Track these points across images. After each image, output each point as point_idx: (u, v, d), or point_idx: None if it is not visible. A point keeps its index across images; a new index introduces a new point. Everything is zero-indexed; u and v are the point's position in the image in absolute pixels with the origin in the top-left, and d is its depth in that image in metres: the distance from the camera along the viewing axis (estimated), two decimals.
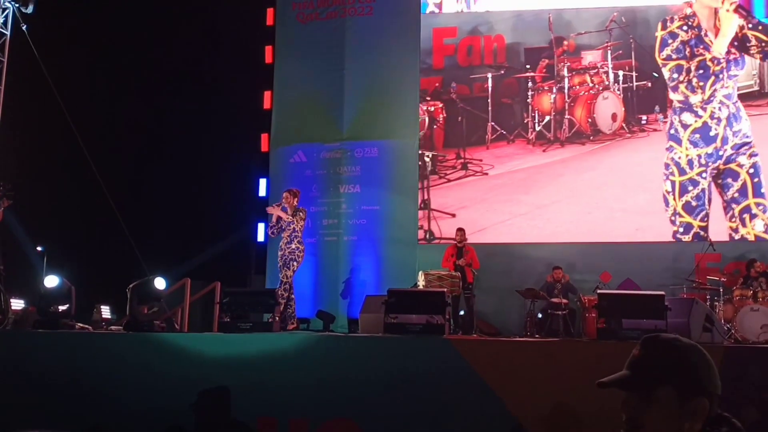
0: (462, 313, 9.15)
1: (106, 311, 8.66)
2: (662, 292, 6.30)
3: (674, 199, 10.51)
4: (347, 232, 11.67)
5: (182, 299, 9.03)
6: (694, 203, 10.44)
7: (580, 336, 8.32)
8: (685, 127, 10.67)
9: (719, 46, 10.65)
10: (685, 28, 10.76)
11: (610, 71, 11.28)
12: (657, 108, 11.06)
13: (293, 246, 8.51)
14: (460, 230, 9.76)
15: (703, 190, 10.44)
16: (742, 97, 10.63)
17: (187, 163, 11.86)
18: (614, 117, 11.16)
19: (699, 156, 10.54)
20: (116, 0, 11.49)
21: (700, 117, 10.60)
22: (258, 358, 6.07)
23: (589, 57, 11.36)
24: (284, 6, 12.36)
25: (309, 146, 11.94)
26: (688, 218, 10.44)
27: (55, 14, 11.53)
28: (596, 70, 11.33)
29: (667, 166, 10.66)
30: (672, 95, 10.88)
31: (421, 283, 8.90)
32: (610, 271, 10.04)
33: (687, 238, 10.34)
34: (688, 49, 10.76)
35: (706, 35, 10.77)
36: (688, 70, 10.70)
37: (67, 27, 11.54)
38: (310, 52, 12.05)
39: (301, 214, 8.61)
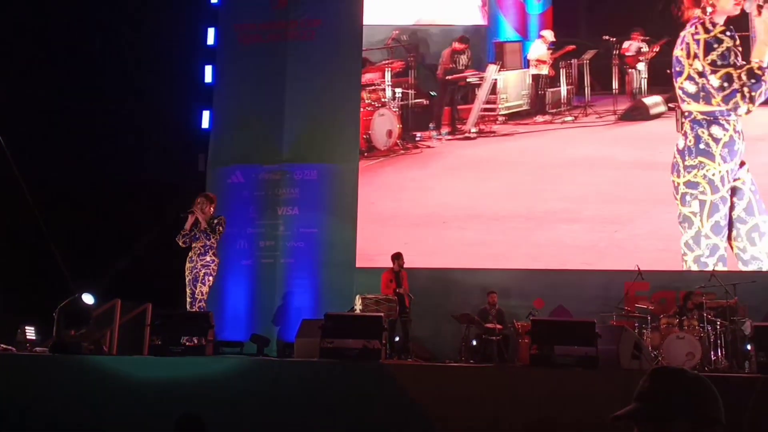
0: (397, 339, 9.17)
1: (30, 332, 8.33)
2: (593, 320, 6.47)
3: (701, 220, 10.15)
4: (284, 255, 11.59)
5: (111, 321, 8.78)
6: (722, 223, 10.07)
7: (514, 362, 8.44)
8: (717, 141, 10.28)
9: (760, 53, 10.28)
10: (728, 33, 10.36)
11: (388, 89, 11.70)
12: (431, 125, 11.60)
13: (207, 258, 7.93)
14: (399, 256, 9.77)
15: (728, 208, 10.09)
16: None
17: (120, 180, 11.60)
18: (389, 134, 11.57)
19: (728, 172, 10.18)
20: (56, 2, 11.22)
21: (727, 130, 10.22)
22: (191, 383, 5.96)
23: (368, 75, 11.84)
24: (226, 27, 12.31)
25: (248, 167, 11.86)
26: (715, 239, 10.10)
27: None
28: (374, 87, 11.78)
29: (695, 185, 10.31)
30: (691, 106, 10.51)
31: (358, 307, 8.90)
32: (543, 297, 10.24)
33: (713, 260, 9.97)
34: (733, 56, 10.30)
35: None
36: (740, 78, 10.21)
37: None
38: (252, 73, 12.01)
39: (220, 228, 8.02)
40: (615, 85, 11.44)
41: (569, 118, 11.52)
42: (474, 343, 9.20)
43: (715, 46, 10.37)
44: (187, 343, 6.92)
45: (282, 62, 11.93)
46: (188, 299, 7.86)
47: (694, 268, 10.16)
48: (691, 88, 10.64)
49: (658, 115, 11.16)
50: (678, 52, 10.72)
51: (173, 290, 7.94)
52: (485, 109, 11.78)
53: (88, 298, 6.76)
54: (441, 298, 10.46)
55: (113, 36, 11.58)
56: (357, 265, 11.25)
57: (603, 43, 11.46)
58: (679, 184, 10.46)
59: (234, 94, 12.06)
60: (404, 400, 5.66)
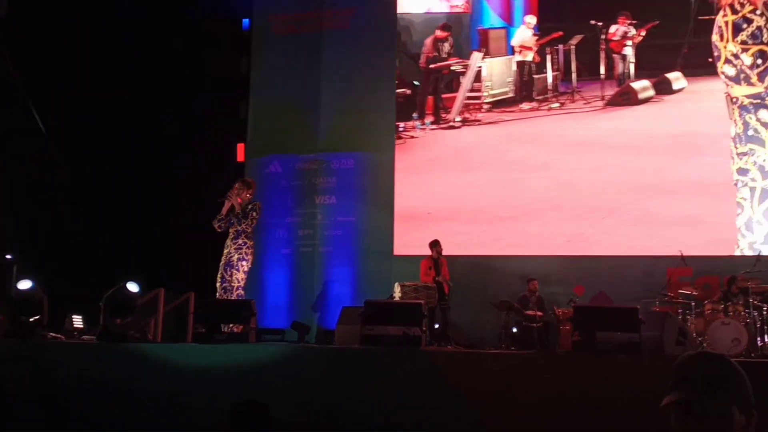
0: (437, 326, 9.19)
1: (77, 321, 8.55)
2: (636, 306, 6.40)
3: (752, 206, 10.02)
4: (322, 243, 11.68)
5: (155, 309, 8.95)
6: None
7: (555, 349, 8.40)
8: (765, 126, 10.18)
9: None
10: (758, 12, 10.28)
11: None
12: (415, 115, 11.55)
13: (240, 242, 7.87)
14: (436, 243, 9.76)
15: None
16: None
17: (161, 170, 11.78)
18: None
19: None
20: (93, 5, 11.37)
21: None
22: (234, 369, 6.05)
23: None
24: (261, 17, 12.39)
25: (285, 157, 11.95)
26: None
27: (30, 17, 11.40)
28: None
29: (745, 171, 10.21)
30: (735, 90, 10.36)
31: (397, 294, 8.92)
32: (584, 284, 10.16)
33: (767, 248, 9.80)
34: (765, 34, 10.22)
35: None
36: None
37: (41, 30, 11.41)
38: (287, 63, 12.08)
39: (254, 213, 7.91)
40: (602, 70, 11.29)
41: (556, 105, 11.40)
42: (514, 330, 9.17)
43: (744, 26, 10.28)
44: (231, 331, 7.02)
45: (317, 51, 11.98)
46: (218, 283, 7.85)
47: (748, 254, 9.97)
48: (731, 71, 10.46)
49: (647, 100, 11.02)
50: (713, 37, 10.62)
51: (215, 279, 8.03)
52: (470, 98, 11.72)
53: (132, 287, 6.89)
54: (480, 285, 10.44)
55: (151, 27, 11.71)
56: (395, 253, 11.29)
57: (589, 28, 11.31)
58: (733, 171, 10.34)
59: (270, 83, 12.14)
60: (445, 386, 5.67)
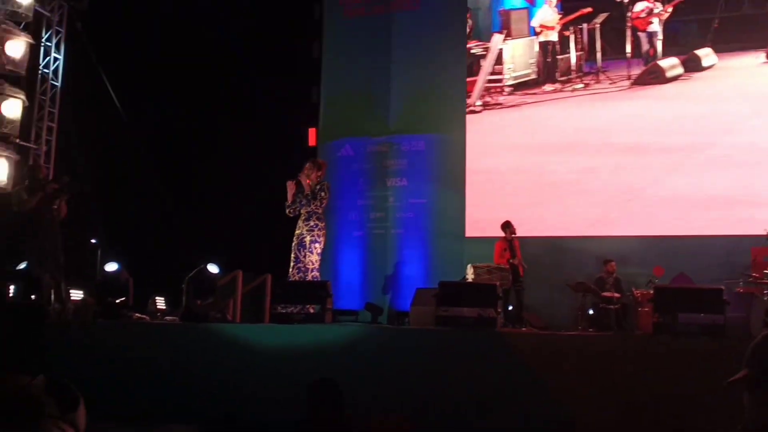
0: (510, 307, 9.12)
1: (161, 302, 8.87)
2: (720, 286, 6.20)
3: None
4: (394, 226, 11.73)
5: (234, 291, 9.19)
6: None
7: (633, 330, 8.22)
8: None
9: None
10: None
11: None
12: None
13: (311, 224, 7.86)
14: (508, 224, 9.65)
15: None
16: None
17: (235, 156, 12.04)
18: None
19: None
20: None
21: None
22: (311, 349, 6.16)
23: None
24: (331, 1, 12.46)
25: (356, 140, 12.03)
26: None
27: (109, 10, 11.80)
28: None
29: None
30: None
31: (470, 276, 8.89)
32: (663, 265, 9.88)
33: None
34: None
35: None
36: None
37: (120, 22, 11.79)
38: (357, 46, 12.12)
39: (322, 194, 7.89)
40: (628, 48, 10.87)
41: (580, 86, 11.09)
42: (590, 312, 9.01)
43: None
44: (307, 311, 7.15)
45: (387, 33, 11.96)
46: (292, 264, 7.89)
47: None
48: None
49: (675, 78, 10.61)
50: None
51: (289, 261, 8.16)
52: (490, 81, 11.48)
53: (213, 269, 7.09)
54: (554, 267, 10.29)
55: (224, 13, 11.94)
56: (467, 235, 11.24)
57: (614, 5, 10.91)
58: None
59: (341, 67, 12.21)
60: (522, 368, 5.64)
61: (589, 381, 5.53)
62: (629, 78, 10.97)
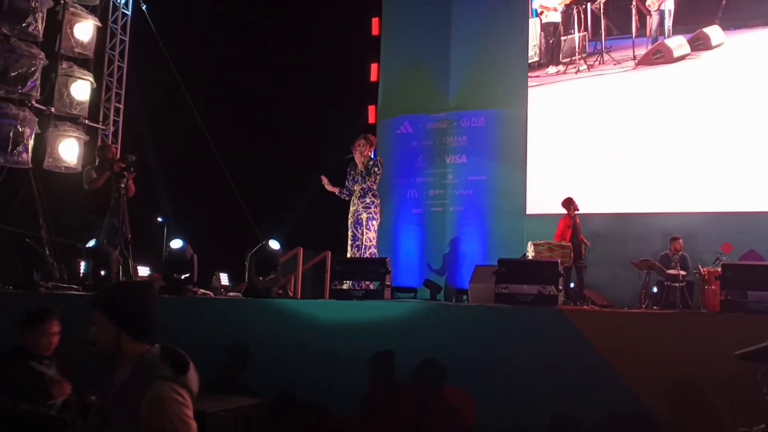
0: (572, 285, 9.00)
1: (224, 278, 9.05)
2: None
3: None
4: (453, 203, 11.70)
5: (295, 268, 9.31)
6: None
7: (699, 309, 7.99)
8: None
9: None
10: None
11: None
12: None
13: (367, 200, 7.85)
14: (571, 201, 9.52)
15: None
16: None
17: (295, 136, 12.14)
18: None
19: None
20: None
21: None
22: (372, 325, 6.18)
23: None
24: None
25: (415, 117, 12.00)
26: None
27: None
28: None
29: None
30: None
31: (530, 253, 8.80)
32: (731, 242, 9.57)
33: None
34: None
35: None
36: None
37: (183, 4, 12.00)
38: (417, 22, 12.05)
39: (376, 169, 7.84)
40: (633, 28, 10.47)
41: (583, 67, 10.81)
42: (654, 290, 8.81)
43: None
44: (367, 288, 7.19)
45: (447, 9, 11.85)
46: (350, 241, 7.94)
47: None
48: None
49: (682, 57, 10.28)
50: None
51: (347, 238, 8.21)
52: None
53: (274, 246, 7.17)
54: (618, 244, 10.14)
55: None
56: (527, 212, 11.12)
57: None
58: None
59: (400, 44, 12.17)
60: (584, 346, 5.53)
61: (655, 360, 5.38)
62: (634, 59, 10.75)
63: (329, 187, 8.07)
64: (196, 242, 8.66)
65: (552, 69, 11.16)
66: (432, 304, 7.03)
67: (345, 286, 6.87)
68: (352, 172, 8.02)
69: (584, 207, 9.84)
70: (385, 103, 12.30)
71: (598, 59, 10.94)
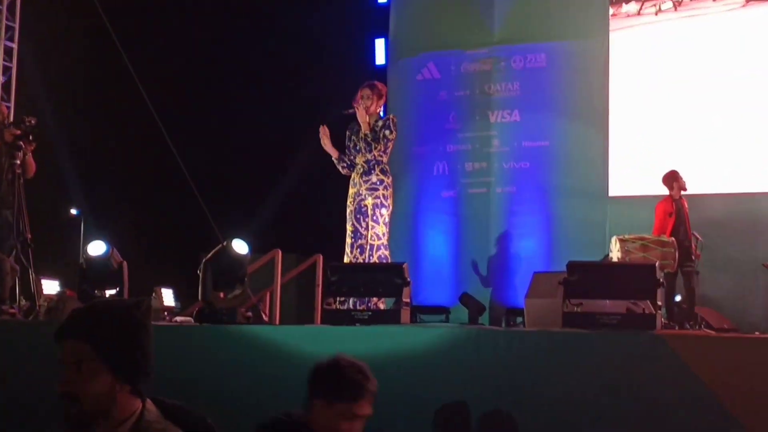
0: (678, 298, 8.96)
1: (167, 296, 9.09)
2: None
3: None
4: (501, 182, 11.70)
5: (271, 279, 9.33)
6: None
7: None
8: None
9: None
10: None
11: None
12: None
13: (374, 178, 7.83)
14: (675, 176, 9.49)
15: None
16: None
17: (268, 90, 12.23)
18: None
19: None
20: None
21: None
22: (380, 362, 6.18)
23: None
24: None
25: (444, 56, 12.00)
26: None
27: None
28: None
29: None
30: None
31: (615, 253, 8.79)
32: None
33: None
34: None
35: None
36: None
37: None
38: None
39: (386, 132, 7.81)
40: None
41: (668, 5, 10.93)
42: None
43: None
44: (375, 307, 7.18)
45: None
46: (349, 239, 7.94)
47: None
48: None
49: None
50: None
51: (345, 239, 8.20)
52: None
53: (240, 248, 7.18)
54: (743, 238, 10.08)
55: None
56: (610, 194, 11.10)
57: None
58: None
59: None
60: (695, 388, 5.53)
61: None
62: None
63: (328, 147, 8.02)
64: (126, 244, 8.70)
65: (625, 7, 11.25)
66: (471, 329, 7.00)
67: (343, 305, 6.86)
68: (353, 137, 7.99)
69: (694, 185, 9.79)
70: (399, 35, 12.28)
71: None
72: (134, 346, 2.69)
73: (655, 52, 11.27)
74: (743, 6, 10.92)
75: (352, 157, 8.00)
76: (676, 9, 11.18)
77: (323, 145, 8.03)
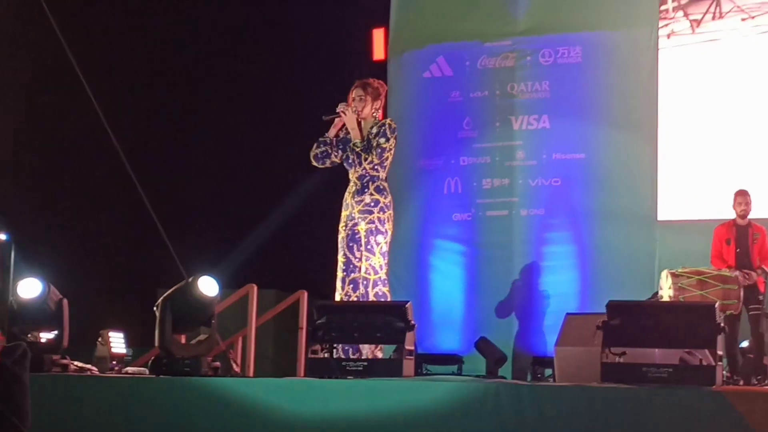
0: (745, 344, 8.97)
1: (117, 340, 9.07)
2: None
3: None
4: (527, 202, 11.74)
5: (245, 321, 9.32)
6: None
7: None
8: None
9: None
10: None
11: None
12: None
13: (367, 198, 7.88)
14: (744, 195, 9.48)
15: None
16: None
17: (250, 84, 12.32)
18: None
19: None
20: None
21: None
22: (377, 424, 6.19)
23: None
24: None
25: (457, 48, 12.07)
26: None
27: None
28: None
29: None
30: None
31: (666, 291, 8.81)
32: None
33: None
34: None
35: None
36: None
37: None
38: None
39: (382, 140, 7.83)
40: None
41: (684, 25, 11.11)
42: None
43: None
44: (372, 356, 7.17)
45: None
46: (340, 274, 7.97)
47: None
48: None
49: None
50: None
51: (334, 267, 8.22)
52: None
53: (207, 284, 7.19)
54: None
55: None
56: (659, 218, 11.11)
57: None
58: None
59: None
60: None
61: None
62: None
63: (333, 131, 8.01)
64: (67, 279, 8.70)
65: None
66: (490, 384, 7.01)
67: (332, 353, 6.86)
68: (341, 145, 8.04)
69: (760, 208, 9.80)
70: (402, 23, 12.32)
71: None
72: (10, 395, 2.69)
73: (718, 49, 11.29)
74: None
75: (336, 159, 8.02)
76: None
77: (338, 121, 7.99)
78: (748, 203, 9.51)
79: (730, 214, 9.56)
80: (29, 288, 7.51)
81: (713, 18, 11.26)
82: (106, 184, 11.82)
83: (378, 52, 12.36)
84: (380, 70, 12.01)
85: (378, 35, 12.38)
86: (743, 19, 11.21)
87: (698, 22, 11.32)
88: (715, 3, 11.21)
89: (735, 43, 11.24)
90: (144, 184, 11.34)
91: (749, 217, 9.50)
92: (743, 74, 11.11)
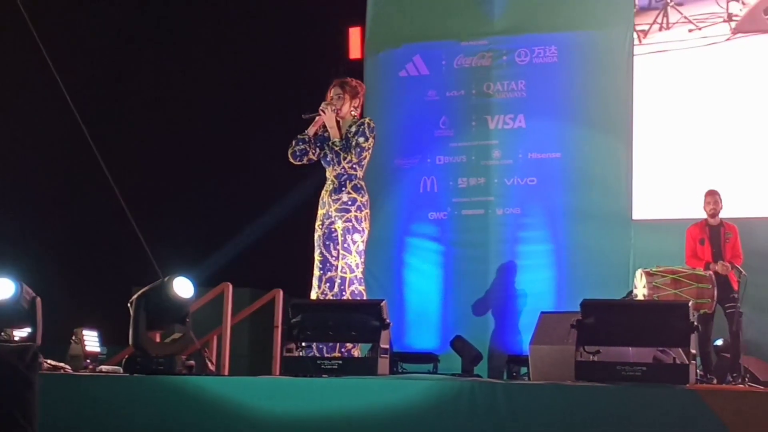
0: (719, 342, 8.98)
1: (91, 339, 9.03)
2: None
3: None
4: (503, 201, 11.75)
5: (220, 319, 9.30)
6: None
7: None
8: None
9: None
10: None
11: None
12: None
13: (345, 197, 7.92)
14: (714, 195, 9.54)
15: None
16: None
17: (226, 83, 12.28)
18: None
19: None
20: None
21: None
22: (352, 422, 6.18)
23: None
24: None
25: (433, 47, 12.06)
26: None
27: None
28: None
29: None
30: None
31: (640, 290, 8.83)
32: None
33: None
34: None
35: None
36: None
37: None
38: None
39: (361, 140, 7.86)
40: None
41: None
42: None
43: None
44: (347, 354, 7.17)
45: None
46: (316, 273, 7.99)
47: None
48: None
49: None
50: None
51: (310, 266, 8.21)
52: None
53: (181, 285, 7.16)
54: None
55: None
56: (634, 217, 11.14)
57: None
58: None
59: None
60: None
61: None
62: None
63: (313, 129, 8.01)
64: (40, 277, 8.65)
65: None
66: (465, 382, 7.00)
67: (308, 352, 6.84)
68: (319, 142, 8.06)
69: (735, 208, 9.84)
70: (378, 22, 12.31)
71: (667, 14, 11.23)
72: (12, 407, 2.67)
73: (693, 51, 11.34)
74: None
75: (313, 156, 8.02)
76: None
77: (318, 118, 7.99)
78: (717, 203, 9.56)
79: (704, 214, 9.61)
80: (2, 287, 7.47)
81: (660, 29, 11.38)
82: (81, 182, 11.77)
83: (354, 51, 12.36)
84: (357, 68, 12.01)
85: (354, 34, 12.38)
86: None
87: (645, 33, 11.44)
88: (662, 13, 11.31)
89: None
90: (119, 182, 11.36)
91: (720, 216, 9.56)
92: (707, 81, 11.18)
